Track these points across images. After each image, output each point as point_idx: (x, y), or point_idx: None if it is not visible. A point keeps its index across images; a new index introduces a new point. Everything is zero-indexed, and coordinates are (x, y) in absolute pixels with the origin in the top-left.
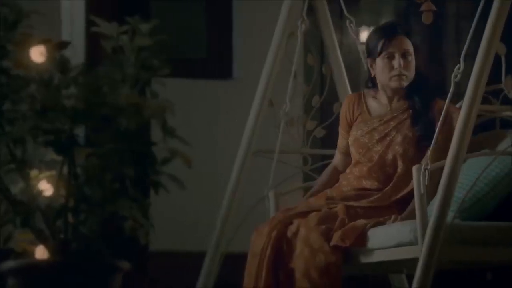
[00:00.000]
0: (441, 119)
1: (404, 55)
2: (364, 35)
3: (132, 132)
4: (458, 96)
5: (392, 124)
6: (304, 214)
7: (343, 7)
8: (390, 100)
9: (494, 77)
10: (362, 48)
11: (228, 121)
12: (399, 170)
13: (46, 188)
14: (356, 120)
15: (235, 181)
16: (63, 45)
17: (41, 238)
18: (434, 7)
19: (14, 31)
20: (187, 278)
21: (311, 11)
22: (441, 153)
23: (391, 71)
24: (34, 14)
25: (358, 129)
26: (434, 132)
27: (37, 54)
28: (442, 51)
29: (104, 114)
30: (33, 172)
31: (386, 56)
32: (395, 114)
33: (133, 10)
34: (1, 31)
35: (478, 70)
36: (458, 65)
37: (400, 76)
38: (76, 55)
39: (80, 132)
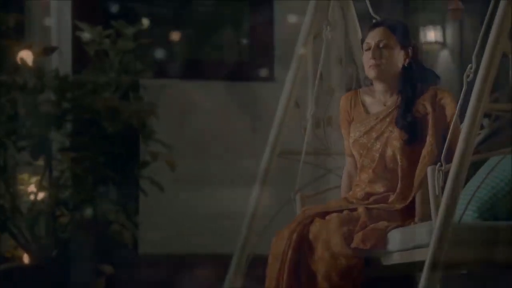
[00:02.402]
0: (431, 106)
1: (377, 45)
2: None
3: (115, 135)
4: None
5: (388, 120)
6: (323, 215)
7: (369, 8)
8: (385, 95)
9: None
10: None
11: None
12: (400, 163)
13: (31, 192)
14: (353, 119)
15: (261, 183)
16: (50, 50)
17: (21, 243)
18: (461, 5)
19: None
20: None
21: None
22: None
23: (368, 61)
24: (31, 16)
25: (356, 130)
26: (417, 131)
27: (21, 60)
28: None
29: (86, 119)
30: (23, 177)
31: (365, 48)
32: (390, 110)
33: (120, 14)
34: None
35: (484, 69)
36: (470, 64)
37: (375, 65)
38: (64, 59)
39: (60, 136)
